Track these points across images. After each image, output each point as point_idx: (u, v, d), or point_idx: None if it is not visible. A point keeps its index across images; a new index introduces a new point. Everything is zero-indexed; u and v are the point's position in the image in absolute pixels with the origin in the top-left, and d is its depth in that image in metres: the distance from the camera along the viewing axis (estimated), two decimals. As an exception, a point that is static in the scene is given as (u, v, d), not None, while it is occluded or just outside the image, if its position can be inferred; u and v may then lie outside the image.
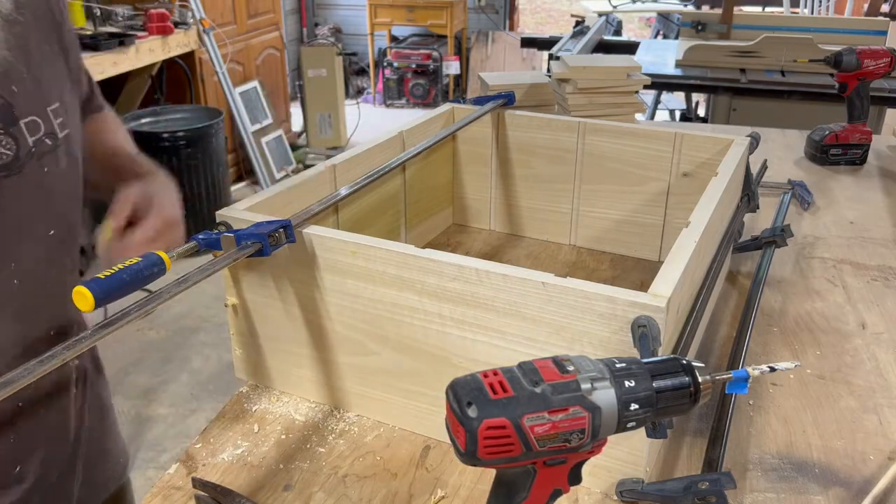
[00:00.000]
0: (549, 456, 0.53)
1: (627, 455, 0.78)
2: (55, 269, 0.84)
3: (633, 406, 0.54)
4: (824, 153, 1.81)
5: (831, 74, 1.82)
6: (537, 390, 0.52)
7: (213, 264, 0.77)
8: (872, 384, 1.01)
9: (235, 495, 0.79)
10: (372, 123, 5.48)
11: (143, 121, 3.68)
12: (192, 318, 3.22)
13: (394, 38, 6.44)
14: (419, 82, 6.24)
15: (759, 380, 1.01)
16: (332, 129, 5.17)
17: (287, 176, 4.58)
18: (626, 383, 0.54)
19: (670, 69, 2.71)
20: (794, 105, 2.51)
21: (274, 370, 0.98)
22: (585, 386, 0.52)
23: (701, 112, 4.51)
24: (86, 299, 0.66)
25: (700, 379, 0.56)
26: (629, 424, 0.54)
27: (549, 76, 1.63)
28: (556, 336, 0.76)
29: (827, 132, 1.81)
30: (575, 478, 0.57)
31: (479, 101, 1.38)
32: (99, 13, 3.54)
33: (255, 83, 4.63)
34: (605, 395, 0.53)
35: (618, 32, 5.03)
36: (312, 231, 0.87)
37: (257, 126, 4.54)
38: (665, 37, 4.96)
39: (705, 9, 4.87)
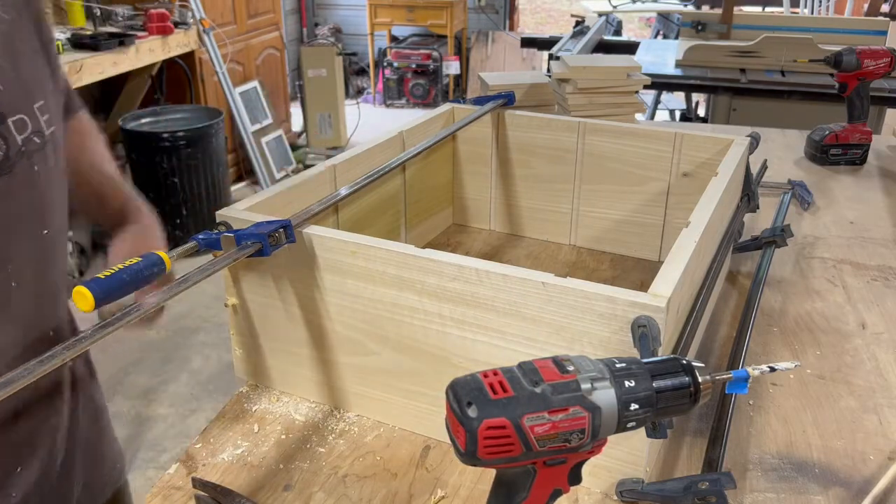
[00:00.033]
0: (549, 456, 0.53)
1: (627, 455, 0.78)
2: (50, 268, 0.84)
3: (633, 406, 0.54)
4: (824, 153, 1.81)
5: (831, 74, 1.82)
6: (537, 390, 0.52)
7: (213, 264, 0.77)
8: (872, 384, 1.01)
9: (235, 495, 0.79)
10: (372, 123, 5.48)
11: (143, 121, 3.68)
12: (192, 318, 3.22)
13: (394, 38, 6.44)
14: (419, 82, 6.24)
15: (759, 380, 1.01)
16: (332, 129, 5.17)
17: (287, 176, 4.59)
18: (626, 383, 0.54)
19: (670, 69, 2.71)
20: (794, 105, 2.51)
21: (274, 370, 0.98)
22: (585, 386, 0.52)
23: (701, 112, 4.51)
24: (86, 299, 0.66)
25: (700, 379, 0.56)
26: (629, 424, 0.54)
27: (549, 76, 1.63)
28: (556, 336, 0.76)
29: (827, 132, 1.81)
30: (575, 478, 0.57)
31: (479, 101, 1.38)
32: (99, 13, 3.54)
33: (255, 83, 4.63)
34: (605, 395, 0.53)
35: (618, 32, 5.03)
36: (312, 231, 0.87)
37: (257, 126, 4.54)
38: (665, 37, 4.96)
39: (705, 9, 4.87)
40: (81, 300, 0.66)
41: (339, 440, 0.90)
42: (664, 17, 5.11)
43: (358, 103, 5.81)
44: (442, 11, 5.97)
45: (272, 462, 0.86)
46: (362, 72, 6.76)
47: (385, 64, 6.26)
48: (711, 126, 2.23)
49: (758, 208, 1.31)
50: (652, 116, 4.18)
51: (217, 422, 0.93)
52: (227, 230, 0.83)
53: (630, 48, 3.12)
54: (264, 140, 4.59)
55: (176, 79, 4.04)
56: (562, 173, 1.35)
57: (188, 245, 0.80)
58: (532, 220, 1.42)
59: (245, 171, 4.57)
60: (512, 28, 6.69)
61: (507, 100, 1.38)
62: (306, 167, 3.89)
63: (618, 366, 0.55)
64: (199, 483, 0.80)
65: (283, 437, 0.90)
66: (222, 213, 0.89)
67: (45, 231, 0.82)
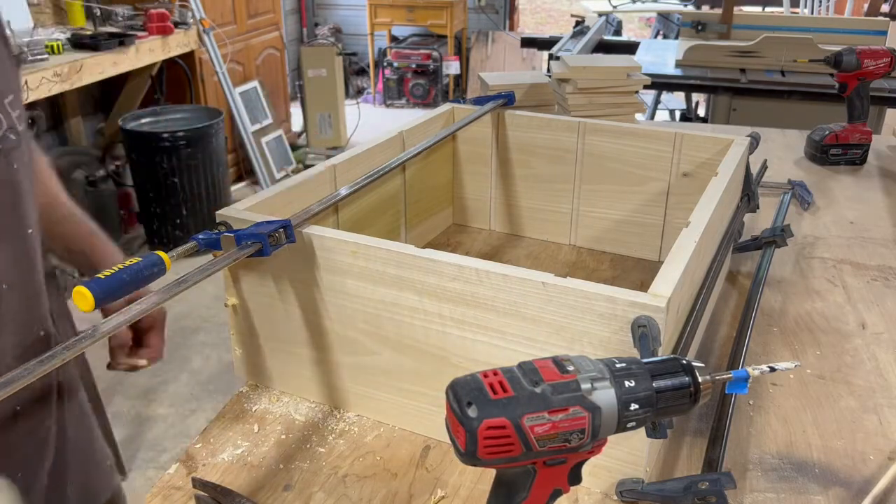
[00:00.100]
0: (549, 456, 0.53)
1: (627, 455, 0.78)
2: (34, 268, 0.83)
3: (633, 406, 0.54)
4: (824, 153, 1.81)
5: (831, 74, 1.82)
6: (537, 390, 0.52)
7: (213, 264, 0.77)
8: (872, 384, 1.01)
9: (235, 495, 0.79)
10: (372, 123, 5.48)
11: (143, 121, 3.68)
12: (192, 318, 3.22)
13: (394, 38, 6.44)
14: (419, 82, 6.23)
15: (759, 380, 1.01)
16: (332, 129, 5.17)
17: (287, 176, 4.58)
18: (626, 383, 0.54)
19: (670, 69, 2.71)
20: (794, 105, 2.51)
21: (274, 370, 0.98)
22: (585, 386, 0.52)
23: (701, 112, 4.50)
24: (86, 299, 0.66)
25: (700, 379, 0.56)
26: (629, 424, 0.54)
27: (549, 76, 1.63)
28: (556, 336, 0.76)
29: (827, 132, 1.81)
30: (575, 478, 0.57)
31: (479, 101, 1.38)
32: (99, 13, 3.53)
33: (255, 83, 4.63)
34: (605, 395, 0.53)
35: (618, 32, 5.03)
36: (312, 231, 0.87)
37: (257, 126, 4.54)
38: (665, 37, 4.96)
39: (705, 9, 4.87)
40: (81, 300, 0.66)
41: (339, 440, 0.90)
42: (664, 17, 5.11)
43: (358, 103, 5.81)
44: (442, 11, 5.97)
45: (272, 462, 0.86)
46: (362, 72, 6.76)
47: (385, 64, 6.26)
48: (711, 126, 2.23)
49: (758, 208, 1.31)
50: (652, 116, 4.18)
51: (217, 422, 0.93)
52: (227, 230, 0.83)
53: (630, 48, 3.12)
54: (264, 140, 4.58)
55: (176, 79, 4.03)
56: (562, 173, 1.35)
57: (188, 245, 0.80)
58: (532, 220, 1.42)
59: (245, 171, 4.57)
60: (512, 28, 6.68)
61: (507, 100, 1.38)
62: (306, 167, 3.89)
63: (618, 366, 0.55)
64: (199, 483, 0.80)
65: (283, 437, 0.90)
66: (222, 213, 0.89)
67: (30, 230, 0.81)
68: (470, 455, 0.51)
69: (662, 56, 2.90)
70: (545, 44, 3.34)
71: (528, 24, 8.62)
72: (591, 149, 1.30)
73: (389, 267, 0.83)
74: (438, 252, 0.81)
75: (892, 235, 1.45)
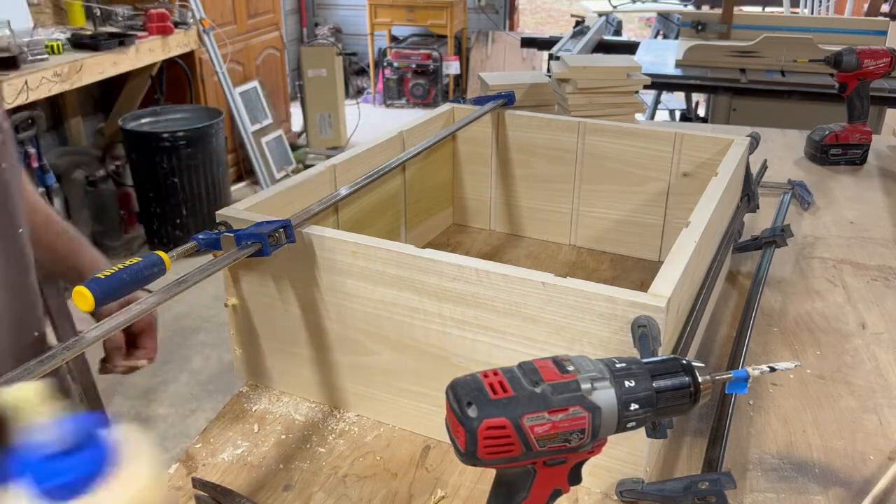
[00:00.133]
0: (549, 456, 0.53)
1: (627, 455, 0.78)
2: (27, 269, 0.83)
3: (633, 406, 0.54)
4: (824, 153, 1.81)
5: (831, 74, 1.82)
6: (537, 390, 0.52)
7: (213, 264, 0.77)
8: (872, 384, 1.01)
9: (235, 495, 0.79)
10: (372, 123, 5.47)
11: (143, 121, 3.68)
12: (192, 318, 3.21)
13: (394, 38, 6.44)
14: (419, 82, 6.23)
15: (759, 380, 1.01)
16: (332, 129, 5.17)
17: (287, 176, 4.58)
18: (626, 383, 0.54)
19: (670, 69, 2.71)
20: (794, 105, 2.51)
21: (274, 370, 0.98)
22: (585, 386, 0.52)
23: (701, 112, 4.50)
24: (86, 299, 0.66)
25: (700, 379, 0.56)
26: (629, 424, 0.54)
27: (549, 76, 1.63)
28: (556, 336, 0.76)
29: (827, 132, 1.81)
30: (575, 478, 0.57)
31: (479, 101, 1.38)
32: (99, 13, 3.53)
33: (255, 83, 4.63)
34: (605, 395, 0.53)
35: (618, 32, 5.03)
36: (312, 231, 0.87)
37: (257, 126, 4.54)
38: (665, 37, 4.96)
39: (705, 9, 4.87)
40: (81, 300, 0.66)
41: (339, 440, 0.90)
42: (664, 17, 5.11)
43: (358, 103, 5.81)
44: (442, 11, 5.97)
45: (272, 462, 0.86)
46: (362, 72, 6.76)
47: (385, 64, 6.26)
48: (711, 126, 2.23)
49: (758, 208, 1.31)
50: (652, 116, 4.18)
51: (217, 422, 0.93)
52: (227, 230, 0.83)
53: (630, 48, 3.12)
54: (264, 140, 4.58)
55: (176, 79, 4.03)
56: (562, 173, 1.35)
57: (188, 245, 0.80)
58: (532, 220, 1.42)
59: (245, 171, 4.57)
60: (512, 28, 6.68)
61: (507, 100, 1.38)
62: (306, 167, 3.89)
63: (618, 366, 0.55)
64: (199, 483, 0.80)
65: (283, 437, 0.90)
66: (222, 213, 0.89)
67: (20, 230, 0.81)
68: (470, 455, 0.51)
69: (662, 56, 2.90)
70: (545, 44, 3.34)
71: (528, 24, 8.62)
72: (591, 149, 1.30)
73: (389, 267, 0.83)
74: (438, 252, 0.81)
75: (892, 235, 1.45)
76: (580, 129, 1.30)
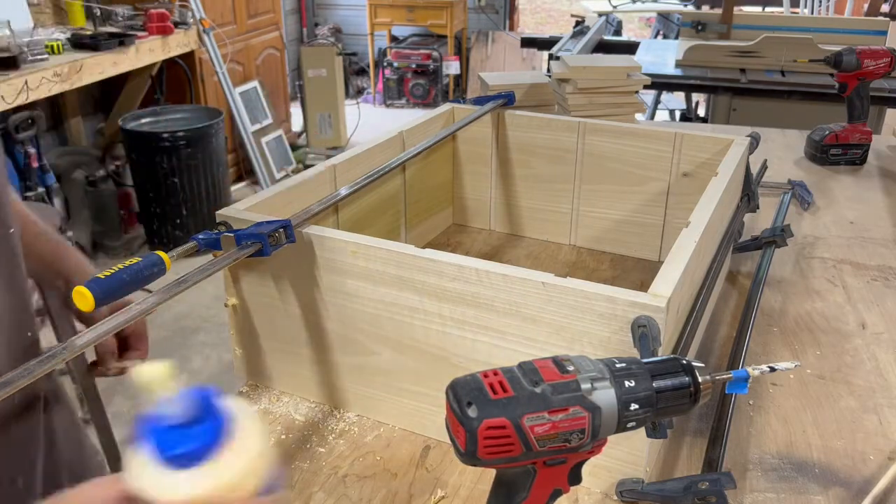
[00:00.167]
0: (549, 456, 0.53)
1: (627, 455, 0.78)
2: (18, 269, 0.82)
3: (633, 406, 0.54)
4: (824, 153, 1.81)
5: (831, 74, 1.82)
6: (537, 390, 0.52)
7: (213, 264, 0.77)
8: (872, 384, 1.01)
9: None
10: (372, 123, 5.47)
11: (143, 121, 3.68)
12: (192, 318, 3.21)
13: (394, 38, 6.44)
14: (419, 82, 6.23)
15: (759, 380, 1.01)
16: (332, 129, 5.17)
17: (287, 176, 4.58)
18: (626, 383, 0.54)
19: (670, 69, 2.71)
20: (794, 105, 2.51)
21: (274, 370, 0.98)
22: (585, 386, 0.52)
23: (701, 112, 4.50)
24: (86, 299, 0.66)
25: (700, 379, 0.56)
26: (629, 424, 0.54)
27: (549, 76, 1.63)
28: (556, 336, 0.76)
29: (827, 132, 1.81)
30: (575, 478, 0.57)
31: (479, 101, 1.38)
32: (99, 13, 3.53)
33: (255, 83, 4.63)
34: (605, 395, 0.53)
35: (618, 32, 5.03)
36: (312, 231, 0.87)
37: (257, 126, 4.54)
38: (665, 37, 4.96)
39: (705, 9, 4.87)
40: (81, 300, 0.66)
41: (339, 440, 0.90)
42: (664, 17, 5.11)
43: (358, 103, 5.81)
44: (442, 11, 5.97)
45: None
46: (362, 72, 6.76)
47: (385, 64, 6.26)
48: (711, 126, 2.23)
49: (758, 208, 1.31)
50: (652, 116, 4.18)
51: (217, 422, 0.93)
52: (227, 230, 0.83)
53: (630, 48, 3.12)
54: (264, 140, 4.58)
55: (176, 79, 4.03)
56: (562, 173, 1.35)
57: (188, 245, 0.80)
58: (532, 220, 1.42)
59: (245, 171, 4.57)
60: (512, 28, 6.68)
61: (507, 100, 1.38)
62: (306, 167, 3.89)
63: (618, 366, 0.55)
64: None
65: (283, 437, 0.90)
66: (222, 213, 0.89)
67: (11, 230, 0.80)
68: (470, 455, 0.51)
69: (662, 56, 2.90)
70: (545, 44, 3.34)
71: (528, 24, 8.62)
72: (591, 149, 1.30)
73: (389, 267, 0.83)
74: (438, 252, 0.81)
75: (892, 235, 1.45)
76: (580, 129, 1.30)
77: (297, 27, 6.61)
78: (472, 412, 0.51)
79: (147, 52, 3.50)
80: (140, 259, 0.72)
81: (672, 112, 4.85)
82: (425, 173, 1.34)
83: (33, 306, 0.88)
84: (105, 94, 3.97)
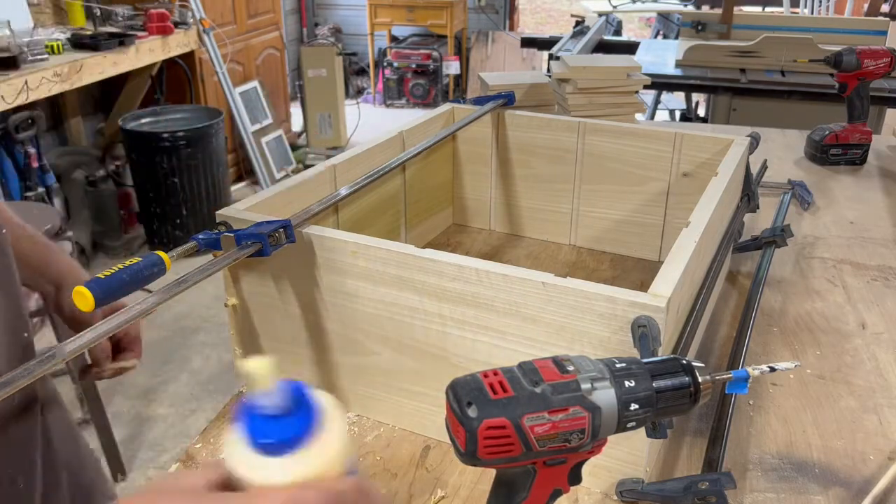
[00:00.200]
0: (549, 456, 0.53)
1: (627, 455, 0.78)
2: (11, 269, 0.82)
3: (633, 406, 0.54)
4: (824, 153, 1.81)
5: (831, 74, 1.82)
6: (537, 390, 0.52)
7: (213, 264, 0.77)
8: (872, 384, 1.01)
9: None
10: (372, 123, 5.48)
11: (143, 121, 3.68)
12: (192, 318, 3.22)
13: (394, 38, 6.44)
14: (419, 82, 6.24)
15: (759, 380, 1.01)
16: (332, 129, 5.17)
17: (287, 176, 4.58)
18: (626, 383, 0.54)
19: (670, 69, 2.71)
20: (794, 105, 2.51)
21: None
22: (585, 386, 0.52)
23: (701, 112, 4.51)
24: (86, 299, 0.66)
25: (700, 379, 0.56)
26: (629, 424, 0.54)
27: (549, 76, 1.63)
28: (556, 336, 0.76)
29: (827, 132, 1.81)
30: (575, 478, 0.57)
31: (479, 101, 1.38)
32: (99, 13, 3.54)
33: (255, 83, 4.63)
34: (605, 395, 0.53)
35: (618, 32, 5.03)
36: (312, 231, 0.87)
37: (257, 126, 4.54)
38: (665, 37, 4.96)
39: (705, 9, 4.87)
40: (81, 300, 0.66)
41: (339, 440, 0.90)
42: (664, 17, 5.11)
43: (358, 103, 5.81)
44: (442, 11, 5.97)
45: (272, 462, 0.86)
46: (362, 72, 6.76)
47: (385, 64, 6.26)
48: (711, 126, 2.23)
49: (758, 208, 1.31)
50: (652, 116, 4.18)
51: (217, 422, 0.93)
52: (227, 230, 0.83)
53: (630, 48, 3.12)
54: (264, 140, 4.59)
55: (176, 79, 4.04)
56: (562, 173, 1.35)
57: (188, 245, 0.80)
58: (532, 220, 1.42)
59: (245, 171, 4.57)
60: (512, 28, 6.69)
61: (507, 100, 1.38)
62: (306, 167, 3.89)
63: (618, 366, 0.55)
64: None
65: (283, 437, 0.90)
66: (222, 213, 0.89)
67: (3, 230, 0.80)
68: (470, 455, 0.51)
69: (662, 56, 2.90)
70: (545, 44, 3.34)
71: (528, 24, 8.62)
72: (591, 149, 1.30)
73: (389, 267, 0.83)
74: (438, 252, 0.81)
75: (892, 235, 1.45)
76: (580, 129, 1.30)
77: (297, 27, 6.61)
78: (472, 412, 0.51)
79: (147, 52, 3.50)
80: (140, 259, 0.72)
81: (672, 112, 4.85)
82: (425, 173, 1.34)
83: (28, 309, 0.87)
84: (105, 94, 3.97)
